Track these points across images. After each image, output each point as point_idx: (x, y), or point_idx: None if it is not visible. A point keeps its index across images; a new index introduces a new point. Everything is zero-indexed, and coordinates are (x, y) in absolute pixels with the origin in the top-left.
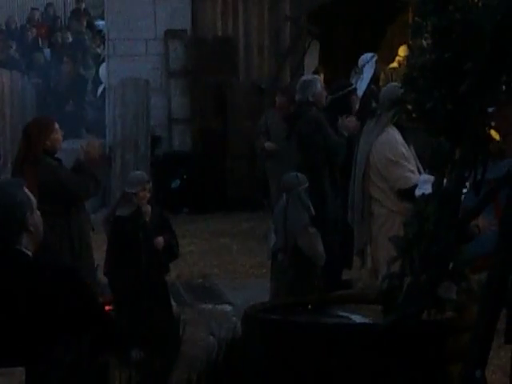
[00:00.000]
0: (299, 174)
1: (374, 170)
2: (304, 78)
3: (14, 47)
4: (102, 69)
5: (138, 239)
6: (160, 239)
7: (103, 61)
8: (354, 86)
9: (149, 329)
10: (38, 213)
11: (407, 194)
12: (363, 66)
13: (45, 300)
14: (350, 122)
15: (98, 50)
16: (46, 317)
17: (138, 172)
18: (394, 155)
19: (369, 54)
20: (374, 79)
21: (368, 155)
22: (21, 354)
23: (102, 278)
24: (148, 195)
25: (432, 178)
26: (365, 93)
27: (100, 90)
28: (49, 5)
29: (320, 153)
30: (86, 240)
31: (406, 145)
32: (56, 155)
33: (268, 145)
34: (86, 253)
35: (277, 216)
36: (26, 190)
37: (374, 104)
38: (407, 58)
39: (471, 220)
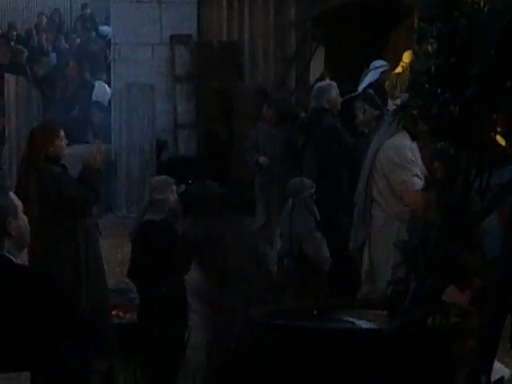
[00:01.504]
0: (305, 179)
1: (378, 172)
2: (319, 84)
3: (20, 52)
4: (98, 86)
5: (169, 245)
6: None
7: (109, 66)
8: (357, 93)
9: (172, 334)
10: (25, 217)
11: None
12: (370, 70)
13: (23, 303)
14: (369, 116)
15: (104, 56)
16: (28, 320)
17: (162, 177)
18: (400, 159)
19: (380, 62)
20: (377, 87)
21: (374, 158)
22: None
23: (122, 281)
24: (176, 197)
25: None
26: (355, 95)
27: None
28: (55, 10)
29: (337, 159)
30: (94, 245)
31: (414, 150)
32: (61, 161)
33: (263, 159)
34: (93, 257)
35: (282, 221)
36: (11, 195)
37: (365, 106)
38: (412, 63)
39: (476, 225)
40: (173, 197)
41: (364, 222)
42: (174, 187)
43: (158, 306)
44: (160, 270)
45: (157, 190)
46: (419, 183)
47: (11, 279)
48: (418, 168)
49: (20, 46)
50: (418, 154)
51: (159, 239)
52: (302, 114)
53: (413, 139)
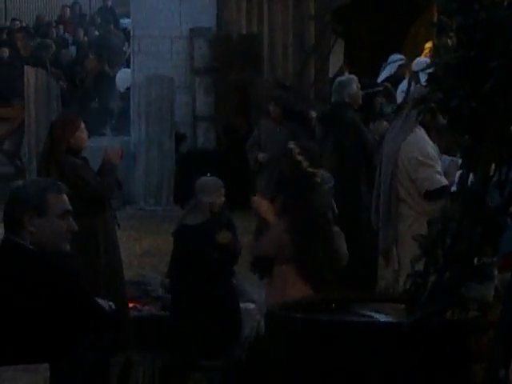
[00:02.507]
0: (323, 173)
1: (401, 170)
2: (340, 78)
3: (37, 43)
4: (120, 74)
5: (207, 249)
6: (227, 234)
7: (128, 59)
8: (379, 88)
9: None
10: (60, 223)
11: (434, 195)
12: (387, 64)
13: (41, 294)
14: (381, 126)
15: (124, 48)
16: (47, 311)
17: (210, 178)
18: (423, 156)
19: (398, 56)
20: (394, 81)
21: (396, 156)
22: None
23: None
24: (223, 200)
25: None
26: (375, 91)
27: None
28: (75, 3)
29: (356, 155)
30: (112, 237)
31: (434, 145)
32: (82, 153)
33: (262, 156)
34: (112, 250)
35: None
36: (64, 197)
37: (381, 100)
38: (432, 56)
39: (496, 219)
40: (220, 201)
41: (390, 223)
42: (223, 190)
43: (191, 308)
44: (194, 276)
45: (204, 193)
46: (442, 180)
47: (29, 269)
48: (439, 164)
49: (49, 40)
50: (437, 149)
51: (194, 245)
52: (312, 113)
53: (428, 133)
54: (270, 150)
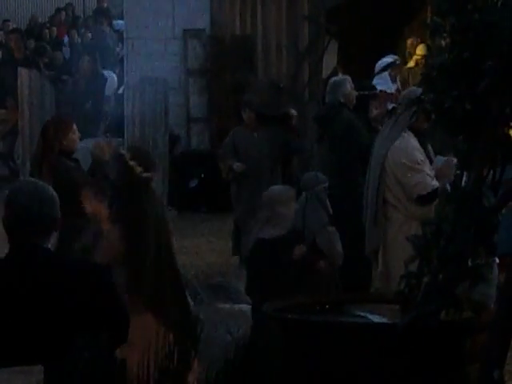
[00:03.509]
0: (319, 174)
1: (389, 175)
2: (334, 78)
3: (33, 46)
4: (110, 80)
5: (291, 264)
6: (301, 247)
7: (122, 60)
8: (376, 90)
9: None
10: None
11: (427, 199)
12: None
13: (70, 298)
14: (380, 112)
15: (117, 49)
16: (70, 315)
17: (283, 187)
18: (411, 161)
19: (392, 57)
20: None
21: (383, 160)
22: (40, 352)
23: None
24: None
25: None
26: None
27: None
28: (68, 4)
29: (353, 154)
30: None
31: (421, 149)
32: (74, 155)
33: (237, 165)
34: None
35: (295, 215)
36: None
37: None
38: (425, 57)
39: (490, 220)
40: (293, 210)
41: (376, 225)
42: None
43: None
44: (274, 292)
45: (282, 204)
46: (433, 183)
47: (56, 273)
48: (428, 167)
49: (45, 44)
50: (424, 153)
51: (275, 260)
52: (292, 111)
53: (418, 137)
54: (248, 157)
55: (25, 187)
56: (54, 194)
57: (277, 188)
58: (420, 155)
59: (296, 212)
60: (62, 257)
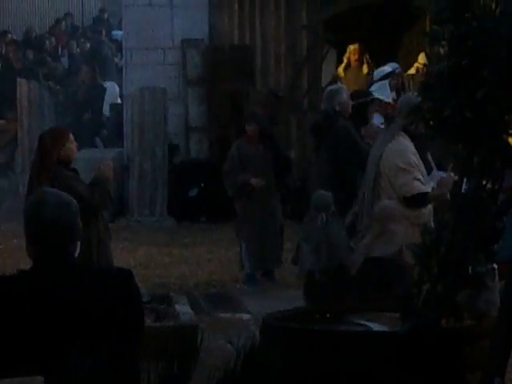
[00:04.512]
0: (326, 193)
1: (383, 177)
2: (330, 87)
3: (32, 56)
4: (110, 87)
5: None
6: None
7: (120, 70)
8: (373, 97)
9: None
10: None
11: (412, 201)
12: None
13: (97, 307)
14: (372, 129)
15: (116, 60)
16: (97, 325)
17: (393, 202)
18: (404, 163)
19: (393, 65)
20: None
21: (378, 162)
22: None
23: None
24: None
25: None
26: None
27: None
28: (67, 14)
29: (350, 162)
30: (105, 249)
31: (416, 153)
32: (72, 164)
33: (255, 181)
34: (105, 261)
35: (316, 236)
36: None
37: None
38: (425, 65)
39: (490, 228)
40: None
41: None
42: None
43: None
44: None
45: (394, 219)
46: (420, 187)
47: (85, 281)
48: (420, 172)
49: (45, 55)
50: (419, 157)
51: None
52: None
53: (413, 140)
54: (252, 171)
55: (48, 198)
56: (75, 203)
57: (387, 204)
58: (414, 158)
59: (317, 234)
60: (88, 265)
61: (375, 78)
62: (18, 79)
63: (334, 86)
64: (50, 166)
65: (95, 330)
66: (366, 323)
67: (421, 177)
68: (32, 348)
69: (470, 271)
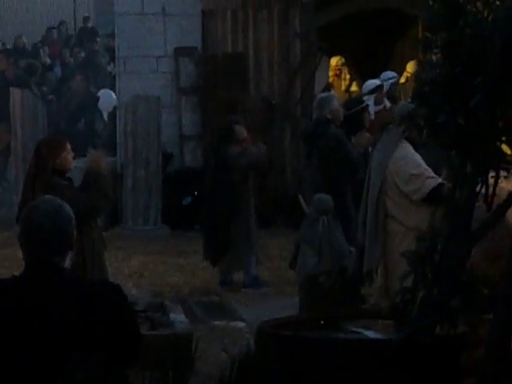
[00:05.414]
0: (325, 195)
1: (391, 186)
2: (321, 95)
3: (24, 65)
4: (103, 98)
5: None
6: None
7: (114, 78)
8: (366, 103)
9: None
10: None
11: (429, 199)
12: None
13: (86, 318)
14: (363, 138)
15: (109, 68)
16: (86, 335)
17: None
18: (414, 168)
19: (391, 73)
20: (388, 98)
21: (384, 171)
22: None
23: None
24: None
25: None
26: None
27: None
28: (61, 23)
29: (342, 170)
30: (100, 258)
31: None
32: (67, 174)
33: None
34: (98, 271)
35: (320, 239)
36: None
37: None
38: (417, 73)
39: (484, 234)
40: None
41: (377, 239)
42: None
43: None
44: None
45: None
46: (431, 183)
47: (75, 293)
48: (427, 169)
49: (37, 63)
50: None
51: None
52: None
53: (415, 148)
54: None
55: (41, 205)
56: (71, 212)
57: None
58: (420, 161)
59: (321, 236)
60: (77, 276)
61: (363, 92)
62: (11, 88)
63: (324, 94)
64: (45, 175)
65: (80, 342)
66: (361, 330)
67: (431, 173)
68: (11, 361)
69: (464, 278)
